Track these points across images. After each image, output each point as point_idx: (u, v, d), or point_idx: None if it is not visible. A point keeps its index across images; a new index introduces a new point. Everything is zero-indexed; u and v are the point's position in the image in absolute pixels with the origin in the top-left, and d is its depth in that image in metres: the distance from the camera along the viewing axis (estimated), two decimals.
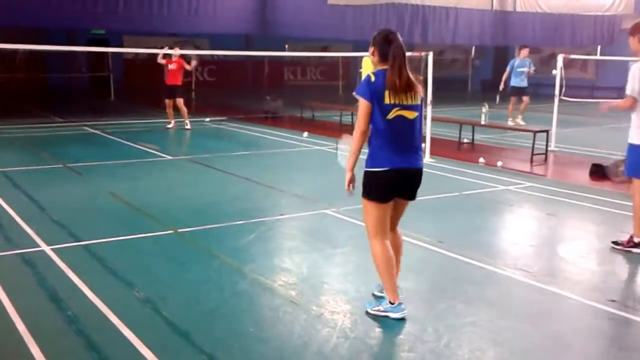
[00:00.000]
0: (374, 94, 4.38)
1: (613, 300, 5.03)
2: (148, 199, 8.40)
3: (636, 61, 6.24)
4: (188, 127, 15.73)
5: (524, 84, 16.31)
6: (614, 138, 15.07)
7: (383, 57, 4.48)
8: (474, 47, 32.42)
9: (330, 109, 18.63)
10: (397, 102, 4.39)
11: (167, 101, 15.88)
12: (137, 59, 30.66)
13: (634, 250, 6.29)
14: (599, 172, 10.10)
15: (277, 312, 4.77)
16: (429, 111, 11.78)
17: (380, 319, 4.60)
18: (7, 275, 5.39)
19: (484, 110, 13.81)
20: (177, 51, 15.60)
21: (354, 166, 4.55)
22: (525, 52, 16.38)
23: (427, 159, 11.44)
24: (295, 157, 12.36)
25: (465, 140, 13.52)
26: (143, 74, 31.20)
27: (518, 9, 25.79)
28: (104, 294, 4.95)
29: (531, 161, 11.50)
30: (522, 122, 15.96)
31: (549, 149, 12.17)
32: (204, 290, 5.20)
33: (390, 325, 4.53)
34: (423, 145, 11.67)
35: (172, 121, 15.83)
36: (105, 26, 22.03)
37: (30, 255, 5.90)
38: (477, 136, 13.71)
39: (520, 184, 9.55)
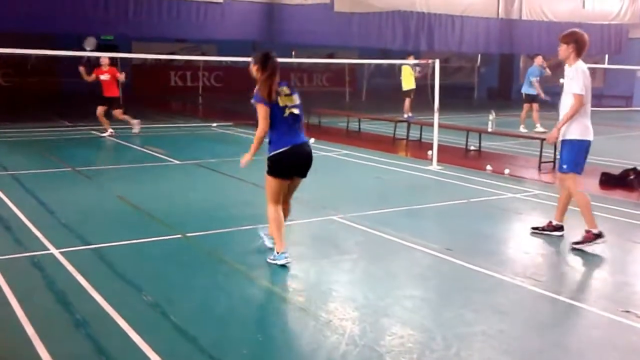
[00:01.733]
0: (267, 101, 5.82)
1: (627, 311, 4.98)
2: (156, 203, 8.41)
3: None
4: (136, 129, 15.27)
5: (534, 91, 16.55)
6: (622, 147, 15.05)
7: (264, 73, 5.84)
8: (479, 55, 32.41)
9: (336, 115, 18.64)
10: (288, 103, 5.83)
11: (99, 109, 14.81)
12: (145, 64, 30.77)
13: (597, 241, 6.58)
14: (608, 181, 10.08)
15: (285, 319, 4.76)
16: (435, 118, 11.78)
17: (391, 327, 4.59)
18: (17, 278, 5.40)
19: (490, 117, 13.81)
20: (105, 54, 14.71)
21: (251, 157, 6.04)
22: (539, 59, 16.64)
23: (434, 165, 11.43)
24: None
25: (472, 148, 13.50)
26: (151, 79, 31.36)
27: (524, 17, 25.76)
28: (112, 298, 4.94)
29: (539, 169, 11.48)
30: (541, 129, 16.17)
31: (557, 157, 12.13)
32: (213, 295, 5.20)
33: (399, 333, 4.51)
34: (429, 152, 11.78)
35: (109, 129, 14.95)
36: (115, 32, 22.09)
37: (39, 258, 5.91)
38: (484, 143, 13.69)
39: (528, 191, 9.53)
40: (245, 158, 5.97)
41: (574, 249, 6.58)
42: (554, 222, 7.07)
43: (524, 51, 29.05)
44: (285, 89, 5.86)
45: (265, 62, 5.78)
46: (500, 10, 25.31)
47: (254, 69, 5.86)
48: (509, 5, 25.38)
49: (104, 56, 14.48)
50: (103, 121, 14.91)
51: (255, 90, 5.81)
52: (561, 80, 13.06)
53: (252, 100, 5.77)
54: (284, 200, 6.05)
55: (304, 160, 5.93)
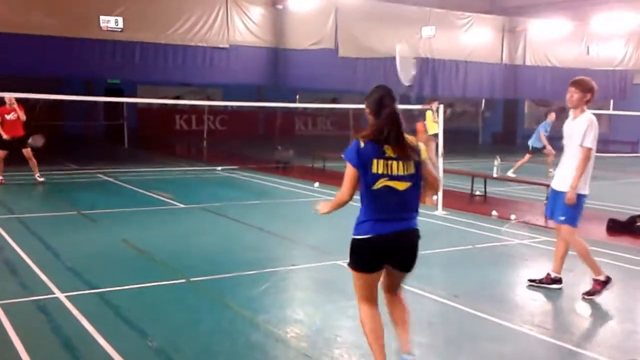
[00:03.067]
0: (361, 160, 4.10)
1: None
2: (161, 247, 8.40)
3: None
4: (40, 179, 14.00)
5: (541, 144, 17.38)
6: (629, 193, 15.05)
7: (377, 118, 4.21)
8: (484, 100, 32.64)
9: (341, 159, 18.66)
10: (385, 172, 4.08)
11: (1, 153, 13.73)
12: (150, 108, 31.05)
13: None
14: (615, 227, 10.05)
15: None
16: (440, 163, 11.81)
17: None
18: (22, 321, 5.37)
19: (496, 163, 13.83)
20: (11, 95, 13.52)
21: (328, 211, 4.51)
22: (552, 116, 17.27)
23: (439, 211, 11.42)
24: (307, 207, 12.26)
25: (478, 193, 13.50)
26: (156, 122, 31.61)
27: (528, 63, 25.97)
28: (117, 343, 4.91)
29: (545, 215, 11.44)
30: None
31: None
32: (218, 340, 5.16)
33: None
34: (434, 197, 11.78)
35: (1, 177, 13.83)
36: (121, 76, 22.38)
37: (44, 302, 5.89)
38: (489, 189, 13.69)
39: (535, 237, 9.50)
40: (321, 208, 4.57)
41: (584, 299, 6.47)
42: (552, 275, 6.90)
43: (528, 96, 29.27)
44: (388, 149, 4.12)
45: (379, 107, 4.21)
46: (504, 55, 25.55)
47: (366, 111, 4.34)
48: (512, 50, 25.64)
49: (10, 96, 13.58)
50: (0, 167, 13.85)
51: (354, 140, 4.25)
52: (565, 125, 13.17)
53: (342, 155, 4.26)
54: (388, 290, 4.50)
55: (399, 250, 4.25)
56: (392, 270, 4.31)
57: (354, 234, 4.24)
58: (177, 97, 29.41)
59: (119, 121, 27.41)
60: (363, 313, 4.33)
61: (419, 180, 4.19)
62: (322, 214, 4.54)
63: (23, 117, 13.77)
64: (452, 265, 7.86)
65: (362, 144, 4.12)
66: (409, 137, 4.21)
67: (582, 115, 6.54)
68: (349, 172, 4.15)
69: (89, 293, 6.25)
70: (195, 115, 33.05)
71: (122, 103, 25.88)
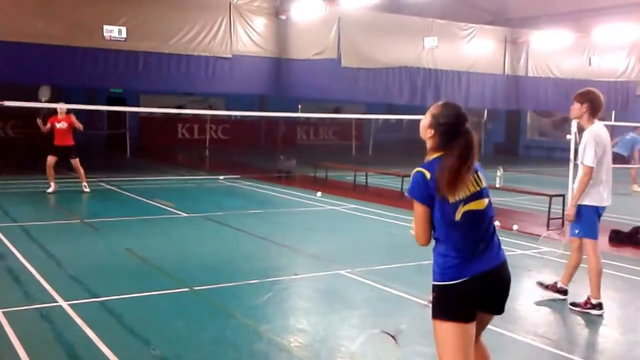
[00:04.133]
0: (432, 194, 3.40)
1: None
2: (164, 256, 8.40)
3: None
4: (87, 189, 14.16)
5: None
6: (631, 204, 15.03)
7: (447, 143, 3.47)
8: (486, 110, 32.68)
9: (343, 169, 18.73)
10: (461, 196, 3.40)
11: (50, 159, 13.87)
12: (152, 117, 31.13)
13: (593, 311, 6.38)
14: (618, 238, 10.04)
15: None
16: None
17: None
18: (25, 330, 5.37)
19: (498, 173, 13.82)
20: (63, 106, 13.99)
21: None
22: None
23: None
24: (309, 216, 12.37)
25: None
26: (158, 131, 31.67)
27: (530, 74, 26.03)
28: (120, 351, 4.91)
29: (547, 225, 11.45)
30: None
31: (565, 213, 12.10)
32: (221, 349, 5.16)
33: None
34: None
35: (53, 183, 13.87)
36: (125, 85, 22.43)
37: (47, 310, 5.89)
38: (492, 199, 13.62)
39: (538, 248, 9.49)
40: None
41: (570, 309, 6.48)
42: (559, 285, 6.88)
43: (530, 107, 29.29)
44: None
45: (453, 132, 3.48)
46: (507, 66, 25.61)
47: (427, 133, 3.57)
48: (515, 61, 25.70)
49: (62, 105, 14.02)
50: (50, 173, 13.85)
51: (413, 173, 3.48)
52: (568, 136, 13.17)
53: (406, 193, 3.56)
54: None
55: (498, 287, 3.57)
56: (486, 315, 3.63)
57: (442, 280, 3.46)
58: (180, 107, 29.48)
59: (121, 130, 27.46)
60: None
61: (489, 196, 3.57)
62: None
63: (79, 125, 14.09)
64: None
65: (428, 175, 3.41)
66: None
67: (588, 128, 6.44)
68: (420, 212, 3.45)
69: (92, 301, 6.25)
70: (197, 125, 33.10)
71: (124, 112, 25.95)
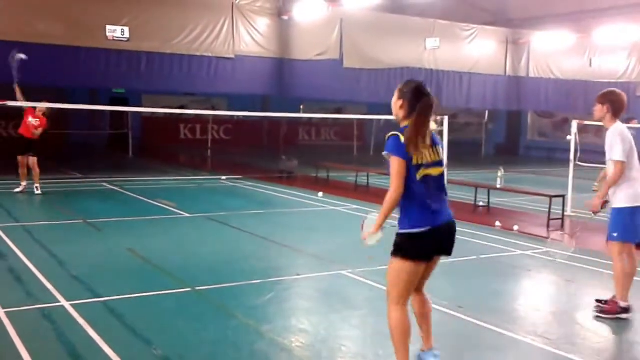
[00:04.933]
0: (405, 153, 4.21)
1: None
2: (166, 256, 8.43)
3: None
4: (38, 191, 13.49)
5: None
6: None
7: (412, 109, 4.32)
8: (487, 111, 32.69)
9: (345, 169, 18.75)
10: (422, 161, 4.26)
11: (20, 158, 13.66)
12: (154, 117, 31.15)
13: (622, 315, 6.21)
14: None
15: None
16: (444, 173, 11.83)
17: None
18: (27, 330, 5.40)
19: (499, 174, 13.86)
20: (45, 105, 13.48)
21: (381, 225, 4.37)
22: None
23: None
24: (311, 217, 12.40)
25: (481, 204, 13.52)
26: (160, 131, 31.71)
27: (531, 75, 26.07)
28: (122, 351, 4.94)
29: (548, 226, 11.47)
30: None
31: (565, 214, 12.15)
32: (222, 349, 5.19)
33: None
34: None
35: (24, 182, 13.62)
36: (127, 85, 22.48)
37: (50, 310, 5.92)
38: (493, 199, 13.71)
39: (538, 249, 9.51)
40: (370, 232, 4.44)
41: (596, 317, 6.29)
42: (621, 303, 6.31)
43: (531, 108, 29.32)
44: (426, 139, 4.32)
45: (418, 98, 4.33)
46: (508, 67, 25.64)
47: (397, 105, 4.47)
48: (516, 62, 25.74)
49: (44, 105, 13.48)
50: (23, 173, 13.60)
51: (389, 136, 4.34)
52: (568, 137, 13.18)
53: (385, 152, 4.29)
54: (417, 288, 4.63)
55: (447, 239, 4.45)
56: (436, 259, 4.53)
57: (406, 228, 4.31)
58: (182, 107, 29.53)
59: (123, 130, 27.50)
60: (400, 314, 4.38)
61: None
62: (374, 233, 4.42)
63: (39, 130, 13.70)
64: (456, 276, 7.87)
65: (402, 138, 4.24)
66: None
67: (610, 128, 6.31)
68: (398, 165, 4.21)
69: (94, 301, 6.28)
70: (199, 125, 33.13)
71: (127, 112, 25.98)
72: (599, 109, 6.39)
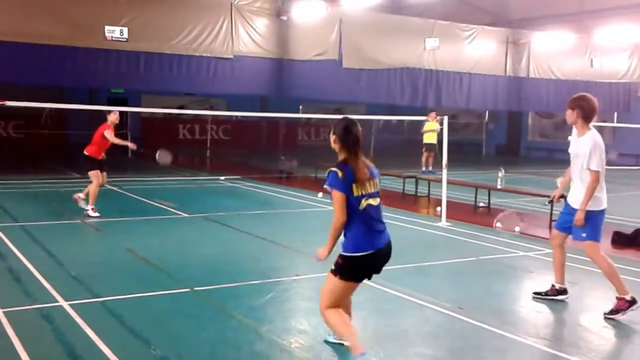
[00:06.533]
0: (346, 187, 4.63)
1: None
2: (165, 256, 8.40)
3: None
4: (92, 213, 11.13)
5: None
6: (634, 205, 15.01)
7: (343, 147, 4.79)
8: (487, 112, 32.67)
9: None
10: (364, 192, 4.70)
11: (96, 181, 11.48)
12: (153, 117, 31.12)
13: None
14: (620, 240, 10.01)
15: None
16: (444, 174, 11.82)
17: None
18: (26, 330, 5.37)
19: (500, 174, 13.83)
20: (116, 108, 11.86)
21: (329, 252, 4.82)
22: None
23: (443, 222, 11.41)
24: (310, 217, 12.35)
25: (481, 204, 13.48)
26: (159, 132, 31.67)
27: (532, 75, 26.04)
28: (121, 351, 4.91)
29: (549, 227, 11.41)
30: None
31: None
32: (221, 350, 5.16)
33: None
34: (438, 208, 11.80)
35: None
36: (126, 86, 22.45)
37: (48, 310, 5.89)
38: (493, 200, 13.67)
39: (539, 250, 9.47)
40: (322, 253, 4.89)
41: (607, 319, 6.24)
42: (557, 286, 6.85)
43: (531, 108, 29.28)
44: (359, 171, 4.73)
45: (346, 134, 4.79)
46: (508, 67, 25.60)
47: (332, 140, 4.91)
48: (516, 63, 25.70)
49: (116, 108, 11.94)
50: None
51: (328, 171, 4.76)
52: (569, 138, 13.17)
53: (325, 185, 4.74)
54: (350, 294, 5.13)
55: (384, 260, 4.87)
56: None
57: (351, 252, 4.70)
58: (181, 107, 29.49)
59: (122, 130, 27.45)
60: (336, 314, 4.82)
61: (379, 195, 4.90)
62: (325, 257, 4.85)
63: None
64: (456, 277, 7.84)
65: (340, 173, 4.68)
66: (364, 159, 4.84)
67: (586, 134, 6.45)
68: (339, 197, 4.65)
69: (93, 301, 6.24)
70: (198, 125, 33.11)
71: (125, 112, 25.95)
72: (569, 114, 6.56)
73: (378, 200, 4.82)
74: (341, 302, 4.87)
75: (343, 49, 21.67)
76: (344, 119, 4.97)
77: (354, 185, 4.64)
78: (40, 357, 4.81)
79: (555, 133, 31.85)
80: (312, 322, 5.91)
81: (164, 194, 14.36)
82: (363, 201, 4.68)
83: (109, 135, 11.26)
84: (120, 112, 12.03)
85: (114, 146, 11.78)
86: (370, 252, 4.68)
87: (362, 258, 4.68)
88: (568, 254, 9.06)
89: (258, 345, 5.27)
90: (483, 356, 5.19)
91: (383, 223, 4.85)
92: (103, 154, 11.66)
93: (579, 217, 6.44)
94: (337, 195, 4.64)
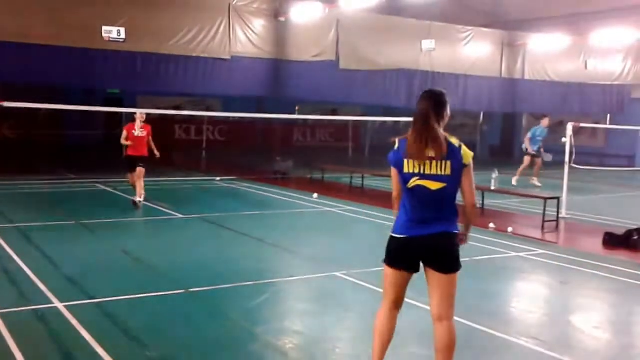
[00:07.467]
0: (397, 161, 4.25)
1: None
2: (160, 257, 8.43)
3: None
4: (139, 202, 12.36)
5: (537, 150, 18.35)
6: (626, 206, 15.08)
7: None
8: (482, 113, 32.73)
9: (340, 170, 18.76)
10: (416, 171, 4.16)
11: (131, 176, 12.71)
12: (149, 117, 31.02)
13: None
14: (612, 241, 10.07)
15: None
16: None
17: None
18: (21, 331, 5.38)
19: (494, 175, 13.88)
20: (143, 111, 12.91)
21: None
22: (546, 121, 18.08)
23: None
24: (306, 218, 12.39)
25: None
26: (155, 132, 31.58)
27: (527, 77, 26.12)
28: (116, 353, 4.93)
29: (542, 228, 11.48)
30: (537, 184, 17.47)
31: (560, 216, 12.17)
32: (216, 351, 5.19)
33: None
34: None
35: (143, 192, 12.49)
36: (123, 86, 22.44)
37: (43, 311, 5.91)
38: (487, 201, 13.71)
39: (532, 250, 9.52)
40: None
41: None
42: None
43: (526, 110, 29.34)
44: (430, 150, 4.16)
45: (417, 105, 4.40)
46: (504, 69, 25.69)
47: None
48: (512, 64, 25.79)
49: (142, 111, 12.72)
50: (138, 184, 12.41)
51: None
52: (563, 139, 13.21)
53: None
54: (433, 310, 4.47)
55: (420, 251, 4.31)
56: (430, 273, 4.36)
57: (391, 231, 4.35)
58: (177, 107, 29.44)
59: (118, 131, 27.43)
60: (379, 311, 4.44)
61: (456, 183, 4.26)
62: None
63: (150, 139, 12.82)
64: None
65: (396, 145, 4.30)
66: (452, 139, 4.26)
67: None
68: (391, 171, 4.33)
69: (88, 303, 6.26)
70: (194, 126, 33.07)
71: (121, 113, 25.94)
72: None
73: (439, 185, 4.15)
74: (388, 293, 4.41)
75: (340, 50, 21.73)
76: (424, 92, 4.49)
77: (405, 161, 4.18)
78: (35, 358, 4.83)
79: (549, 135, 31.85)
80: (307, 323, 5.95)
81: (159, 195, 14.37)
82: (412, 180, 4.16)
83: (123, 134, 12.59)
84: (116, 113, 12.53)
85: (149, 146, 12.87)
86: (403, 236, 4.25)
87: (393, 240, 4.31)
88: (559, 254, 9.15)
89: (253, 346, 5.30)
90: (475, 356, 5.23)
91: (438, 212, 4.23)
92: (136, 153, 12.59)
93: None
94: (391, 169, 4.32)
